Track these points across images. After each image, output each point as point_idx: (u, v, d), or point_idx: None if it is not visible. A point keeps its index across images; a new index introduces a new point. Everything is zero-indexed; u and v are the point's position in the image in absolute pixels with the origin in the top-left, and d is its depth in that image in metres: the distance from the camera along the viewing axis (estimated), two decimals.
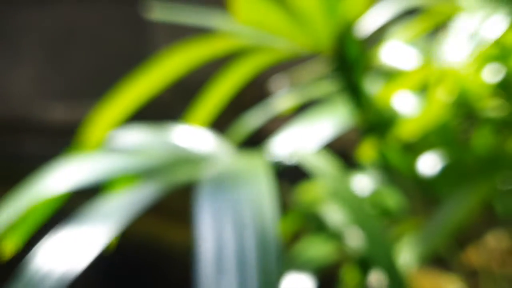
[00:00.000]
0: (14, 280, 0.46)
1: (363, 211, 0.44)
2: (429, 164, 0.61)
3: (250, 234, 0.36)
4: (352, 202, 0.44)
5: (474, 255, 0.75)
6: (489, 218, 0.72)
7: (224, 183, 0.42)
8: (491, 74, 0.59)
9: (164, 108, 1.07)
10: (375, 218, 0.45)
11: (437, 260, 0.71)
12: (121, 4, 1.76)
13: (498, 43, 0.57)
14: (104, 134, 0.64)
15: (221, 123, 0.73)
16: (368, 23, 0.63)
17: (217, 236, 0.36)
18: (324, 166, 0.48)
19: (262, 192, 0.39)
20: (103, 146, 0.62)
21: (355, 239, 0.57)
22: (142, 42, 1.73)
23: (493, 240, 0.74)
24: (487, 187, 0.60)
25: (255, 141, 0.70)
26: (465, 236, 0.75)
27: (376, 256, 0.43)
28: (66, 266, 0.44)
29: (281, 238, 0.38)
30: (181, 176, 0.50)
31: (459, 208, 0.57)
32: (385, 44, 0.65)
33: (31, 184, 0.55)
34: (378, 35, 0.68)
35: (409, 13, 0.71)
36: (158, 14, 0.64)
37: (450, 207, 0.57)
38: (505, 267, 0.73)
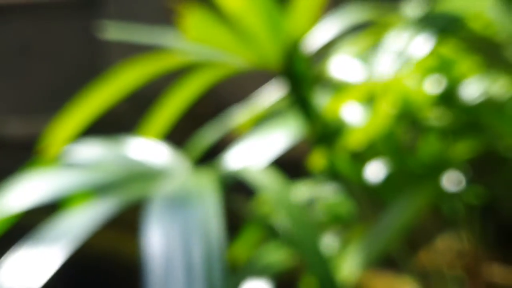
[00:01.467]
0: None
1: (301, 223, 0.46)
2: (375, 171, 0.64)
3: (197, 252, 0.38)
4: (291, 216, 0.47)
5: (425, 258, 0.78)
6: (439, 222, 0.75)
7: (175, 202, 0.44)
8: (433, 86, 0.62)
9: (118, 119, 1.08)
10: (313, 229, 0.47)
11: (391, 263, 0.73)
12: (76, 20, 1.78)
13: (438, 55, 0.60)
14: (62, 148, 0.65)
15: (179, 133, 0.75)
16: (315, 39, 0.66)
17: (165, 254, 0.38)
18: (268, 181, 0.50)
19: (209, 212, 0.41)
20: (61, 161, 0.63)
21: None
22: (97, 57, 1.75)
23: (443, 243, 0.77)
24: (431, 190, 0.63)
25: (215, 148, 0.72)
26: (417, 240, 0.78)
27: (311, 265, 0.46)
28: (25, 285, 0.45)
29: (226, 254, 0.40)
30: (136, 192, 0.52)
31: (403, 211, 0.60)
32: (333, 58, 0.68)
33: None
34: (328, 49, 0.71)
35: (359, 27, 0.74)
36: (113, 33, 0.66)
37: (395, 211, 0.60)
38: (454, 269, 0.76)
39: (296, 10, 0.60)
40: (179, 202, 0.44)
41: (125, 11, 1.70)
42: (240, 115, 0.73)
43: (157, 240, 0.41)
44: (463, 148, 0.64)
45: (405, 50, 0.57)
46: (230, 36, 0.59)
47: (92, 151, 0.63)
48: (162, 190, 0.47)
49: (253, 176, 0.50)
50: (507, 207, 0.73)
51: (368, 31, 0.71)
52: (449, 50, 0.60)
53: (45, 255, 0.47)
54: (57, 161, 0.63)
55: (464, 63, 0.61)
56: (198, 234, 0.40)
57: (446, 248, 0.77)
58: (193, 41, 0.59)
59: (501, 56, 0.57)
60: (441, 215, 0.74)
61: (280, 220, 0.49)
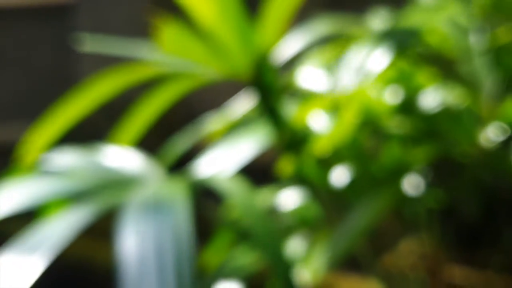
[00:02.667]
0: None
1: (265, 229, 0.49)
2: (340, 176, 0.67)
3: (169, 257, 0.41)
4: (256, 221, 0.49)
5: (389, 260, 0.81)
6: (402, 226, 0.78)
7: (148, 209, 0.46)
8: (393, 96, 0.65)
9: (91, 127, 1.10)
10: (276, 234, 0.50)
11: (356, 265, 0.76)
12: (47, 27, 1.79)
13: (397, 67, 0.63)
14: (38, 156, 0.67)
15: (150, 140, 0.77)
16: (284, 50, 0.69)
17: (139, 260, 0.41)
18: (235, 188, 0.53)
19: (181, 219, 0.44)
20: (37, 168, 0.65)
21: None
22: (68, 64, 1.76)
23: (406, 246, 0.80)
24: (392, 194, 0.66)
25: (187, 155, 0.75)
26: (381, 243, 0.80)
27: (274, 267, 0.48)
28: None
29: (197, 258, 0.42)
30: (111, 199, 0.54)
31: (365, 214, 0.63)
32: (300, 69, 0.70)
33: None
34: (297, 60, 0.73)
35: (329, 37, 0.77)
36: (87, 45, 0.68)
37: (357, 214, 0.63)
38: (417, 271, 0.79)
39: (265, 23, 0.63)
40: (152, 210, 0.46)
41: (97, 19, 1.71)
42: (211, 123, 0.75)
43: (131, 246, 0.43)
44: (422, 154, 0.67)
45: (364, 65, 0.60)
46: (203, 48, 0.61)
47: (68, 159, 0.65)
48: (135, 198, 0.50)
49: (221, 184, 0.53)
50: (466, 210, 0.76)
51: (334, 42, 0.74)
52: (407, 62, 0.64)
53: (25, 263, 0.49)
54: (34, 168, 0.65)
55: (422, 74, 0.64)
56: (170, 240, 0.43)
57: (408, 250, 0.80)
58: (168, 52, 0.61)
59: (454, 71, 0.60)
60: (404, 219, 0.77)
61: (246, 225, 0.52)
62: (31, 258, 0.49)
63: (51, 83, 1.78)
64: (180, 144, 0.74)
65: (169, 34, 0.61)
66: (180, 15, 0.65)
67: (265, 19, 0.63)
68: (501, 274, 0.80)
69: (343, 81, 0.62)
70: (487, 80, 0.56)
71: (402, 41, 0.59)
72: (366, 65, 0.60)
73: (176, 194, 0.49)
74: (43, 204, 0.62)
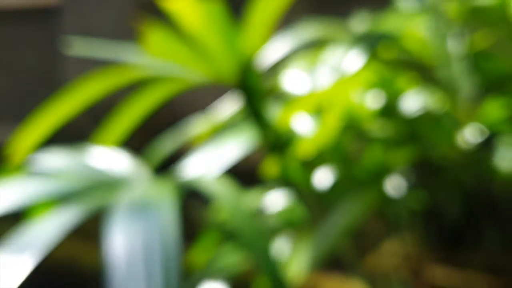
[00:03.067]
0: None
1: (252, 229, 0.50)
2: (323, 178, 0.68)
3: (157, 257, 0.42)
4: (243, 222, 0.50)
5: (372, 261, 0.82)
6: (386, 227, 0.79)
7: (136, 211, 0.47)
8: (375, 100, 0.67)
9: (75, 129, 1.11)
10: (263, 234, 0.51)
11: (340, 266, 0.77)
12: (32, 30, 1.79)
13: (377, 72, 0.64)
14: (25, 157, 0.68)
15: (134, 141, 0.78)
16: (269, 55, 0.70)
17: (127, 259, 0.42)
18: (221, 190, 0.54)
19: (168, 220, 0.45)
20: (25, 169, 0.66)
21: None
22: (53, 66, 1.76)
23: (389, 247, 0.81)
24: (374, 195, 0.68)
25: (173, 156, 0.75)
26: (365, 244, 0.82)
27: (262, 267, 0.49)
28: None
29: (183, 258, 0.43)
30: (98, 200, 0.55)
31: (347, 214, 0.64)
32: (284, 72, 0.72)
33: None
34: (283, 63, 0.75)
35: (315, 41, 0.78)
36: (75, 49, 0.68)
37: (339, 214, 0.64)
38: (400, 271, 0.80)
39: (250, 28, 0.64)
40: (140, 211, 0.47)
41: (82, 21, 1.71)
42: (197, 125, 0.76)
43: (119, 246, 0.44)
44: (403, 157, 0.68)
45: (339, 65, 0.61)
46: (189, 53, 0.62)
47: (55, 160, 0.66)
48: (123, 199, 0.51)
49: (207, 186, 0.54)
50: (448, 212, 0.78)
51: (318, 46, 0.75)
52: (387, 67, 0.65)
53: (14, 264, 0.50)
54: (22, 169, 0.66)
55: (402, 79, 0.65)
56: (157, 241, 0.44)
57: (392, 251, 0.81)
58: (154, 56, 0.62)
59: (432, 77, 0.62)
60: (387, 220, 0.78)
61: (234, 226, 0.53)
62: (19, 258, 0.50)
63: (37, 85, 1.79)
64: (165, 145, 0.75)
65: (156, 38, 0.62)
66: (165, 20, 0.66)
67: (249, 24, 0.64)
68: (482, 274, 0.82)
69: (320, 81, 0.63)
70: (465, 84, 0.58)
71: (375, 44, 0.61)
72: (341, 66, 0.62)
73: (163, 195, 0.50)
74: (31, 205, 0.63)
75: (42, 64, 1.80)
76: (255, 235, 0.50)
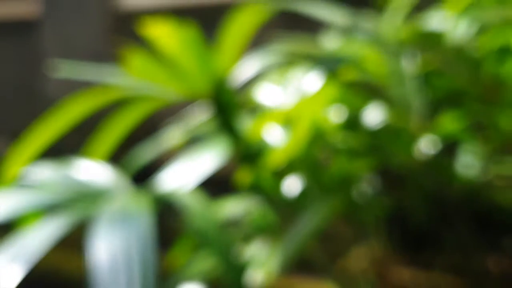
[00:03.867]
0: None
1: (218, 238, 0.56)
2: (292, 186, 0.74)
3: (136, 263, 0.48)
4: (209, 232, 0.56)
5: (342, 265, 0.87)
6: (355, 234, 0.84)
7: (117, 221, 0.53)
8: (339, 114, 0.72)
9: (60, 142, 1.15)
10: (227, 244, 0.56)
11: (312, 270, 0.82)
12: (12, 43, 1.81)
13: (341, 90, 0.70)
14: (18, 171, 0.73)
15: (117, 150, 0.83)
16: (243, 71, 0.75)
17: (109, 265, 0.48)
18: (193, 203, 0.59)
19: (146, 229, 0.51)
20: (17, 182, 0.71)
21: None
22: (34, 80, 1.78)
23: (358, 252, 0.86)
24: (340, 201, 0.73)
25: (149, 165, 0.80)
26: (336, 249, 0.86)
27: (226, 274, 0.55)
28: None
29: (160, 263, 0.49)
30: (83, 211, 0.60)
31: (313, 220, 0.69)
32: (257, 87, 0.77)
33: None
34: (257, 79, 0.80)
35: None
36: (61, 71, 0.74)
37: (305, 219, 0.69)
38: (367, 274, 0.85)
39: (222, 50, 0.70)
40: (120, 221, 0.53)
41: (62, 35, 1.73)
42: (171, 137, 0.81)
43: (101, 254, 0.50)
44: (366, 165, 0.74)
45: (300, 85, 0.67)
46: (166, 74, 0.68)
47: (43, 173, 0.71)
48: (105, 211, 0.56)
49: (180, 199, 0.60)
50: (411, 216, 0.82)
51: (289, 62, 0.80)
52: (349, 85, 0.71)
53: (4, 273, 0.55)
54: (14, 182, 0.71)
55: (363, 95, 0.71)
56: (136, 248, 0.49)
57: (360, 255, 0.85)
58: (135, 77, 0.68)
59: (385, 95, 0.68)
60: (356, 226, 0.83)
61: (201, 236, 0.58)
62: (10, 267, 0.55)
63: (15, 97, 1.81)
64: (142, 156, 0.80)
65: (136, 62, 0.67)
66: (145, 45, 0.71)
67: (222, 46, 0.70)
68: (444, 274, 0.86)
69: (288, 96, 0.69)
70: (416, 101, 0.63)
71: (335, 66, 0.67)
72: (303, 85, 0.67)
73: (141, 207, 0.55)
74: (20, 215, 0.68)
75: (20, 77, 1.82)
76: (220, 244, 0.55)
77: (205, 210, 0.57)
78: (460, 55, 0.66)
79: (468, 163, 0.75)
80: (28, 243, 0.57)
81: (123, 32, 1.67)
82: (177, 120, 0.83)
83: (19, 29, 1.82)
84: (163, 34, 0.64)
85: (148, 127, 0.85)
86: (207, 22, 1.44)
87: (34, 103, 1.78)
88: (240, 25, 0.67)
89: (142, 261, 0.47)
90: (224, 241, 0.55)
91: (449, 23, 0.67)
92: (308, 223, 0.68)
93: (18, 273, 0.55)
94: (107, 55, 1.64)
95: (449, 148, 0.77)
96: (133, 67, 0.67)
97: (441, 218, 0.83)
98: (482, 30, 0.68)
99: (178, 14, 1.57)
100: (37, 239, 0.56)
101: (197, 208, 0.58)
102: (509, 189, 0.79)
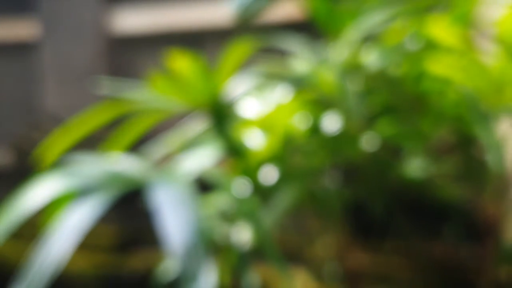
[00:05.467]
0: None
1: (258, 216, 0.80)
2: (269, 176, 0.95)
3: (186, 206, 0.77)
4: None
5: (313, 252, 1.04)
6: (323, 225, 1.02)
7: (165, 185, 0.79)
8: (304, 122, 0.94)
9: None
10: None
11: (288, 257, 0.95)
12: (12, 61, 1.88)
13: (305, 103, 0.93)
14: (56, 157, 0.92)
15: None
16: (234, 88, 0.96)
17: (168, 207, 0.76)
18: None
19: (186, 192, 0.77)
20: (58, 167, 0.89)
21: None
22: (30, 101, 1.86)
23: (325, 240, 1.02)
24: (304, 188, 0.94)
25: None
26: (306, 239, 1.04)
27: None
28: None
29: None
30: (121, 187, 0.82)
31: (283, 200, 0.92)
32: (242, 101, 0.98)
33: (17, 199, 0.83)
34: (244, 93, 1.00)
35: None
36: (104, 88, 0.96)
37: (277, 200, 0.92)
38: (332, 260, 1.01)
39: (220, 72, 0.92)
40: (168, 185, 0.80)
41: (60, 57, 1.81)
42: (168, 143, 1.00)
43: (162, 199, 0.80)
44: (325, 160, 0.96)
45: (270, 98, 0.90)
46: (177, 89, 0.90)
47: (81, 162, 0.90)
48: (153, 181, 0.82)
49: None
50: (369, 206, 0.98)
51: (266, 81, 1.01)
52: (310, 100, 0.93)
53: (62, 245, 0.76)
54: (55, 167, 0.91)
55: (321, 108, 0.94)
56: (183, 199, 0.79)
57: (326, 244, 1.01)
58: (155, 93, 0.90)
59: (337, 106, 0.91)
60: (323, 218, 1.00)
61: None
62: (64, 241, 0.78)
63: (15, 113, 1.86)
64: (152, 151, 0.99)
65: (159, 83, 0.90)
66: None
67: (220, 69, 0.92)
68: (395, 257, 1.03)
69: (263, 108, 0.92)
70: (356, 112, 0.87)
71: (298, 85, 0.91)
72: (274, 99, 0.91)
73: (179, 177, 0.82)
74: (61, 196, 0.87)
75: (20, 94, 1.87)
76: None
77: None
78: (384, 77, 0.90)
79: (408, 160, 0.96)
80: (81, 214, 0.79)
81: (118, 54, 1.82)
82: (175, 129, 1.03)
83: (19, 50, 1.88)
84: (183, 63, 0.87)
85: (144, 137, 1.05)
86: (195, 44, 1.65)
87: (32, 118, 1.88)
88: (235, 54, 0.90)
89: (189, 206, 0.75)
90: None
91: (376, 54, 0.92)
92: (281, 202, 0.91)
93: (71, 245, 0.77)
94: (102, 75, 1.77)
95: (393, 149, 0.97)
96: (156, 86, 0.90)
97: (393, 208, 0.98)
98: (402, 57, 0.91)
99: (169, 37, 1.74)
100: (91, 209, 0.78)
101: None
102: (447, 184, 0.97)
